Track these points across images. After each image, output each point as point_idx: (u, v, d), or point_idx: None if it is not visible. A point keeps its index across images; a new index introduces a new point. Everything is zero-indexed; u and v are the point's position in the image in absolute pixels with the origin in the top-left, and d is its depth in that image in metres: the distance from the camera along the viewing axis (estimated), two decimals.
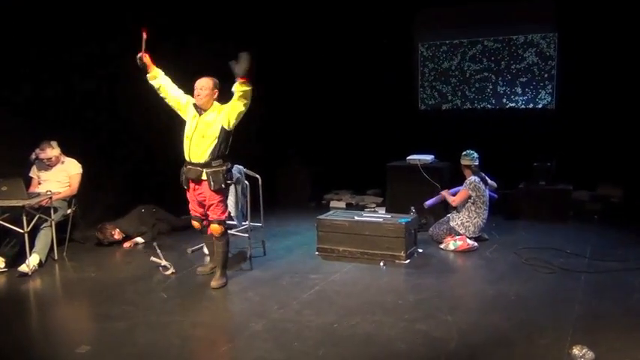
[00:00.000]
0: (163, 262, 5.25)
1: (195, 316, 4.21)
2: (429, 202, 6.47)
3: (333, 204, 8.36)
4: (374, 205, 8.17)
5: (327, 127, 9.18)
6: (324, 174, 8.87)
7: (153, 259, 5.32)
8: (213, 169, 4.66)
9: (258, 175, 5.58)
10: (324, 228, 5.79)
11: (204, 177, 4.69)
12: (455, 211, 6.29)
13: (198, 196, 4.79)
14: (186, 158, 4.72)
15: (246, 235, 5.56)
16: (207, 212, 4.84)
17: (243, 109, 4.59)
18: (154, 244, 5.48)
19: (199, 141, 4.65)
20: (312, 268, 5.36)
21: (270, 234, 6.36)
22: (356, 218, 5.85)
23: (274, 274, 5.17)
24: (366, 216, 6.03)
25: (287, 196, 8.60)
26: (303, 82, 9.08)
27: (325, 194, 8.85)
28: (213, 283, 4.85)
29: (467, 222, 6.15)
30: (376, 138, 8.91)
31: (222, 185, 4.70)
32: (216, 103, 4.74)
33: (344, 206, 8.23)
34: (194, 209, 4.92)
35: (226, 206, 4.88)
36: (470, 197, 6.11)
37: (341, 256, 5.66)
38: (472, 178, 6.19)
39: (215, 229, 4.83)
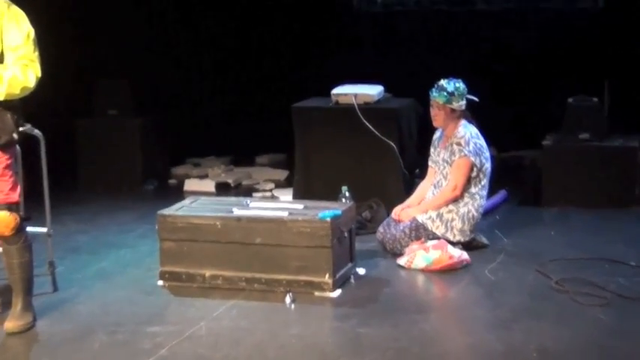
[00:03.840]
0: None
1: None
2: (487, 205, 6.71)
3: (190, 185, 8.46)
4: (270, 187, 8.26)
5: (179, 38, 9.32)
6: (172, 127, 8.89)
7: None
8: None
9: (39, 132, 5.55)
10: (173, 233, 5.82)
11: None
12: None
13: None
14: None
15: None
16: None
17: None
18: None
19: None
20: (152, 313, 5.39)
21: (65, 248, 6.45)
22: (236, 213, 5.86)
23: (77, 329, 5.13)
24: (256, 207, 6.02)
25: (99, 170, 8.52)
26: None
27: (175, 166, 8.90)
28: (9, 325, 5.12)
29: (449, 212, 6.20)
30: (274, 59, 9.09)
31: (14, 135, 5.02)
32: None
33: (212, 189, 8.38)
34: None
35: (17, 180, 5.19)
36: (473, 168, 6.24)
37: (209, 286, 5.75)
38: (467, 134, 6.22)
39: (3, 220, 5.01)
